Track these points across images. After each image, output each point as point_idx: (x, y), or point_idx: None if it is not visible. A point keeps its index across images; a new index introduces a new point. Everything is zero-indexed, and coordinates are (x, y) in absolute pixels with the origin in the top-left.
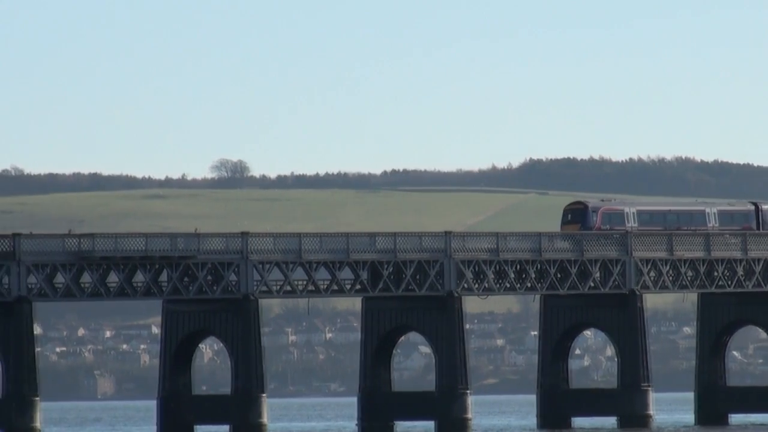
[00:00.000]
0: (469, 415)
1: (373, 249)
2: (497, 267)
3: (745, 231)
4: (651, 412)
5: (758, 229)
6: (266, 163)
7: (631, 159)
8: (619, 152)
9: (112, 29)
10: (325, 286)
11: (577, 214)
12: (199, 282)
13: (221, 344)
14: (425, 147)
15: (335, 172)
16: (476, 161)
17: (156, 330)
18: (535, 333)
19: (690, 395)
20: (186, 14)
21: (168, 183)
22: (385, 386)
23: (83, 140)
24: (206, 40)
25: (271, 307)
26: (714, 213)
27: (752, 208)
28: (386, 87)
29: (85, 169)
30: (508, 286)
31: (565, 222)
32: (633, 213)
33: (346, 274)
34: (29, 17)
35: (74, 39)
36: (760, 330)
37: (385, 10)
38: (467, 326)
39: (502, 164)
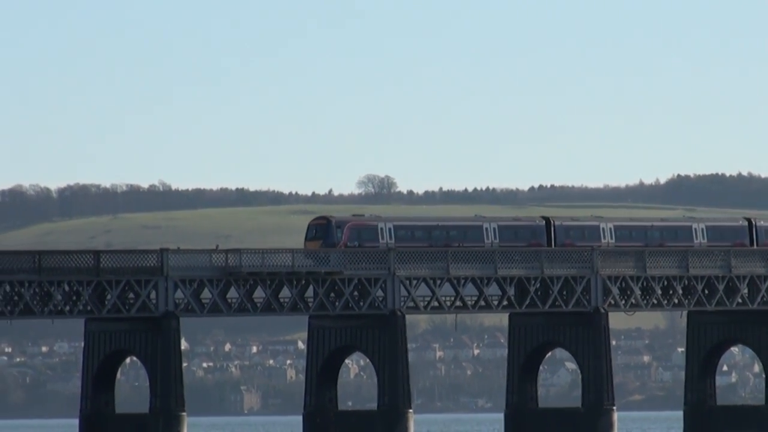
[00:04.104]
0: None
1: (520, 265)
2: (644, 283)
3: (737, 248)
4: None
5: (752, 245)
6: (413, 178)
7: None
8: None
9: (264, 50)
10: (473, 302)
11: (320, 230)
12: (346, 298)
13: (367, 360)
14: (572, 162)
15: (482, 188)
16: (623, 177)
17: (302, 345)
18: (682, 349)
19: None
20: (330, 31)
21: (315, 199)
22: (532, 402)
23: (230, 156)
24: (354, 55)
25: (418, 322)
26: (702, 229)
27: (745, 224)
28: (533, 102)
29: (232, 185)
30: (655, 302)
31: (308, 238)
32: (389, 228)
33: (493, 289)
34: (184, 38)
35: (218, 58)
36: None
37: (532, 27)
38: (613, 342)
39: (649, 180)
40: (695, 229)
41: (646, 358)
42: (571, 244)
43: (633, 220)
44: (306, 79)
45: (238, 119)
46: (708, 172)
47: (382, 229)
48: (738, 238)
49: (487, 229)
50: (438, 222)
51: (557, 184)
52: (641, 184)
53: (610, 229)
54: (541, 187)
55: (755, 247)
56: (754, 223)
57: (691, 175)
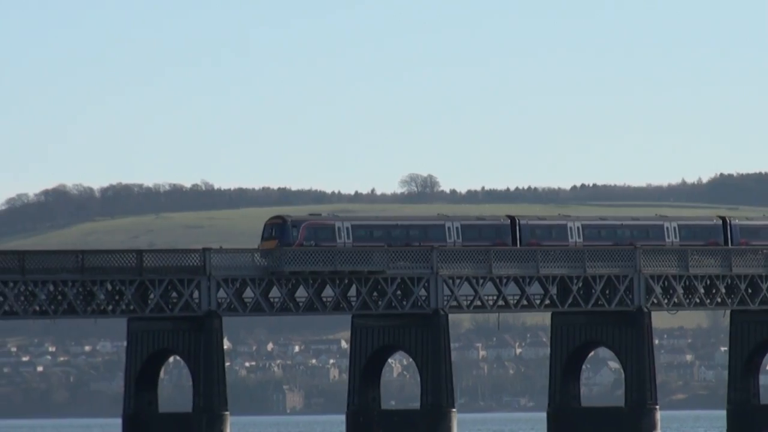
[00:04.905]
0: (658, 431)
1: (562, 264)
2: (686, 282)
3: (710, 246)
4: None
5: (726, 244)
6: (456, 177)
7: None
8: None
9: (309, 50)
10: (515, 301)
11: (276, 230)
12: (389, 297)
13: (410, 359)
14: (615, 161)
15: (525, 187)
16: (666, 176)
17: (345, 344)
18: (725, 348)
19: None
20: (372, 30)
21: (357, 198)
22: (574, 401)
23: (272, 155)
24: (398, 55)
25: (460, 321)
26: (674, 228)
27: (719, 222)
28: (575, 101)
29: (274, 184)
30: (698, 301)
31: (264, 238)
32: (347, 228)
33: (535, 288)
34: (227, 39)
35: (262, 58)
36: None
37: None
38: (656, 341)
39: (691, 179)
40: (667, 228)
41: (688, 357)
42: (536, 244)
43: (603, 218)
44: (349, 78)
45: (281, 119)
46: (751, 171)
47: (339, 228)
48: (712, 237)
49: (449, 228)
50: (397, 221)
51: (599, 183)
52: (683, 183)
53: (578, 228)
54: (583, 186)
55: (730, 246)
56: (728, 221)
57: (734, 174)
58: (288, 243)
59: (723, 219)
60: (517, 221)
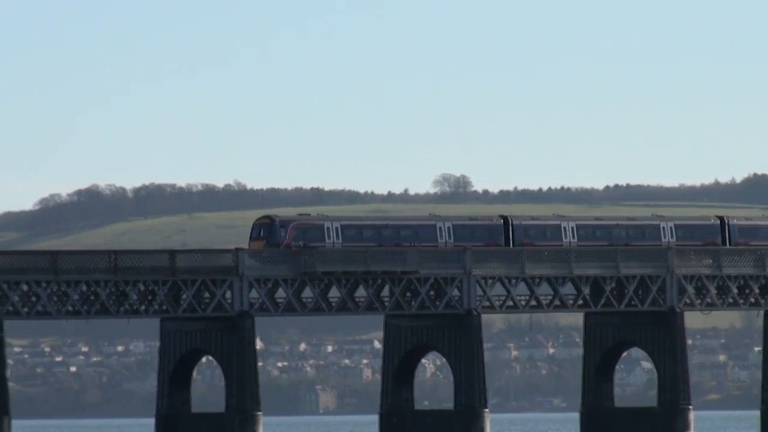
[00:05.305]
0: (692, 431)
1: (595, 264)
2: (719, 282)
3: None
4: None
5: (724, 244)
6: (489, 177)
7: None
8: None
9: (335, 49)
10: (548, 302)
11: (264, 230)
12: (422, 297)
13: (443, 359)
14: (648, 161)
15: (557, 187)
16: (699, 176)
17: (378, 344)
18: (759, 348)
19: None
20: (405, 31)
21: (390, 198)
22: (607, 402)
23: (305, 155)
24: (430, 54)
25: (493, 322)
26: (670, 227)
27: (716, 222)
28: (609, 101)
29: (307, 184)
30: (731, 301)
31: (252, 238)
32: (336, 228)
33: (568, 289)
34: (257, 37)
35: (295, 56)
36: None
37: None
38: (689, 342)
39: (725, 179)
40: (663, 227)
41: (722, 357)
42: (530, 244)
43: (598, 219)
44: (381, 78)
45: (315, 118)
46: None
47: (328, 228)
48: (709, 237)
49: (440, 228)
50: (388, 221)
51: (632, 183)
52: (717, 183)
53: (572, 228)
54: (616, 186)
55: (728, 246)
56: (726, 221)
57: None
58: (276, 243)
59: (721, 219)
60: (510, 221)
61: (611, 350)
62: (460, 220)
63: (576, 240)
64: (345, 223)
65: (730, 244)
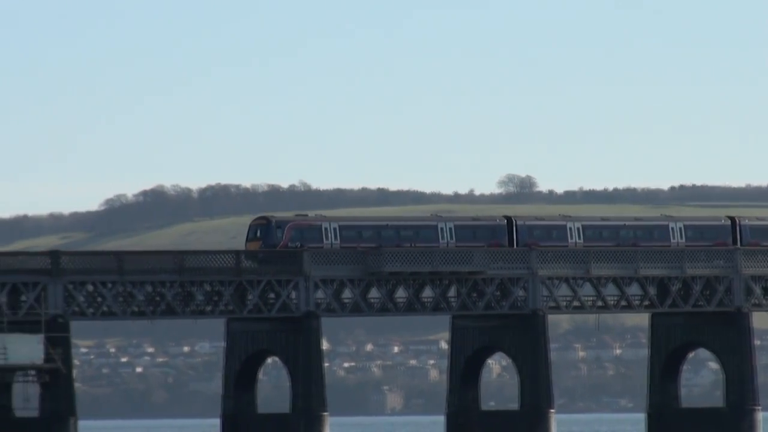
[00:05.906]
0: None
1: (661, 265)
2: None
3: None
4: None
5: (735, 245)
6: (554, 178)
7: None
8: None
9: (401, 50)
10: (614, 302)
11: (261, 230)
12: (488, 297)
13: (509, 359)
14: (715, 161)
15: (623, 187)
16: (766, 176)
17: (444, 345)
18: None
19: None
20: (474, 32)
21: (456, 198)
22: (674, 402)
23: (371, 155)
24: (496, 55)
25: (559, 322)
26: (680, 228)
27: (727, 222)
28: (676, 101)
29: (373, 184)
30: None
31: (248, 239)
32: (333, 229)
33: (634, 289)
34: (324, 37)
35: (361, 56)
36: None
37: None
38: (757, 342)
39: None
40: (672, 228)
41: None
42: (535, 244)
43: (604, 219)
44: (449, 79)
45: (380, 119)
46: None
47: (326, 229)
48: (719, 237)
49: (442, 228)
50: (387, 222)
51: (698, 183)
52: None
53: (578, 228)
54: (681, 186)
55: (739, 246)
56: (738, 222)
57: None
58: (272, 244)
59: (732, 219)
60: (514, 222)
61: (677, 351)
62: (462, 220)
63: (582, 241)
64: (343, 224)
65: (741, 245)
